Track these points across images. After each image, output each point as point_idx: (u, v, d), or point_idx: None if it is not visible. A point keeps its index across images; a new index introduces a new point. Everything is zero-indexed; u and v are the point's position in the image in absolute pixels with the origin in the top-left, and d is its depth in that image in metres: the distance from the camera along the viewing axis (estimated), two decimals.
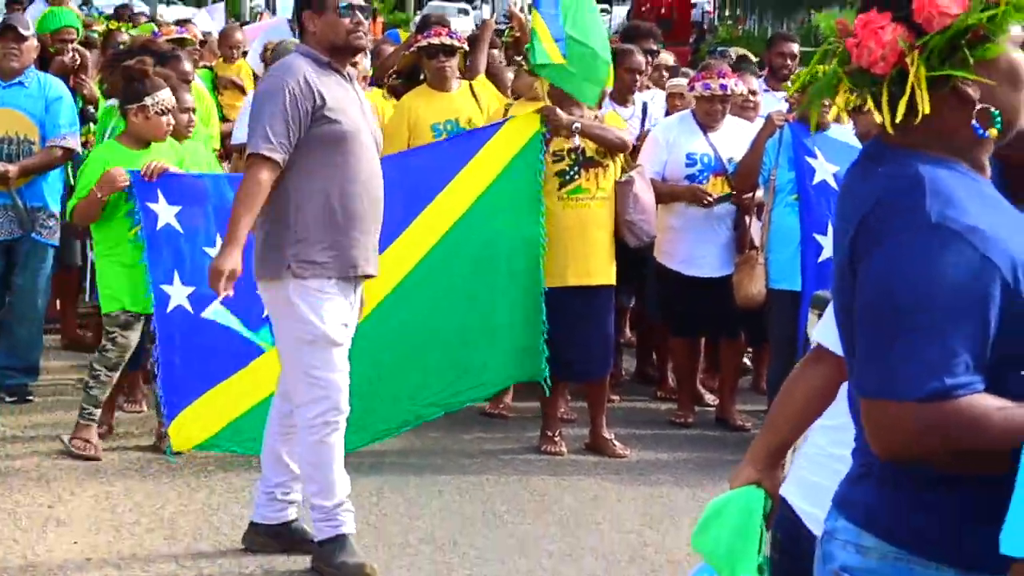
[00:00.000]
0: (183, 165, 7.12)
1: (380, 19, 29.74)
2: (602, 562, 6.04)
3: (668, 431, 8.15)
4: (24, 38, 8.16)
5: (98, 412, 7.15)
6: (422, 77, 8.43)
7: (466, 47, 8.46)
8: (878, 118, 2.56)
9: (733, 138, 8.25)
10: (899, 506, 2.55)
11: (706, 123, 8.26)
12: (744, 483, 3.22)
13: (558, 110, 7.34)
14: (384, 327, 6.86)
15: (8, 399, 8.02)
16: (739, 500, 3.25)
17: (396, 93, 8.79)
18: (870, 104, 2.61)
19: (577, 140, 7.42)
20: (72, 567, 5.74)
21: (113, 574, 5.69)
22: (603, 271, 7.57)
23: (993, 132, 2.54)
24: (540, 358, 7.22)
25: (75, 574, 5.68)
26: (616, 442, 7.63)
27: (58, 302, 9.50)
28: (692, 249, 8.20)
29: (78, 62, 9.24)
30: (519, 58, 8.56)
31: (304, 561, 5.78)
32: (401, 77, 8.84)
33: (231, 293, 5.58)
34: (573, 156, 7.44)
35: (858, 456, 2.67)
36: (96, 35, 11.02)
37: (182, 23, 13.40)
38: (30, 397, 8.09)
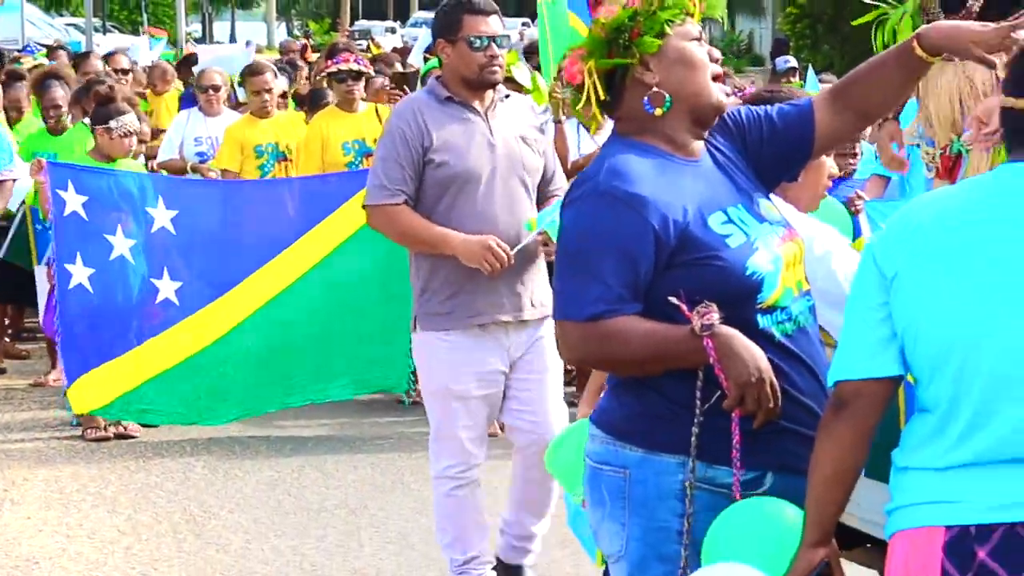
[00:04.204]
0: None
1: (310, 41, 30.56)
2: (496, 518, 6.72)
3: None
4: None
5: None
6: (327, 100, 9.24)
7: (371, 72, 9.25)
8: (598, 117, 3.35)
9: None
10: (610, 405, 3.40)
11: None
12: (582, 416, 4.14)
13: None
14: (265, 325, 7.49)
15: None
16: (578, 430, 4.13)
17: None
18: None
19: None
20: (25, 538, 6.53)
21: (62, 542, 6.47)
22: None
23: (659, 111, 3.30)
24: (405, 373, 7.36)
25: (28, 543, 6.47)
26: None
27: None
28: None
29: None
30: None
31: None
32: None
33: (498, 266, 5.34)
34: None
35: None
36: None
37: (109, 56, 14.19)
38: None
